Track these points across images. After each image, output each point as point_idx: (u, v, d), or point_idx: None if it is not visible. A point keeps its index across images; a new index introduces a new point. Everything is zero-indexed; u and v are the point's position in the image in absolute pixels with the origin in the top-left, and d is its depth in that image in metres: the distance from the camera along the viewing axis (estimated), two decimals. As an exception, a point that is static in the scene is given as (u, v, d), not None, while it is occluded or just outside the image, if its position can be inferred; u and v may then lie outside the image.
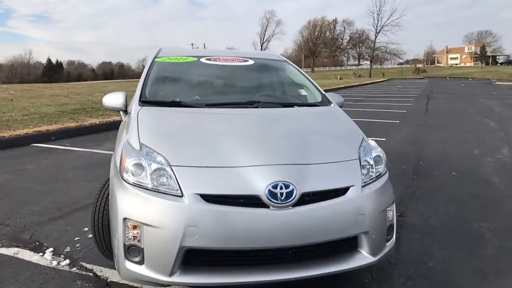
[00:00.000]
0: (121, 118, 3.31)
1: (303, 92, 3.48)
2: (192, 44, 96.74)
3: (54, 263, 2.88)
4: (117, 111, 3.26)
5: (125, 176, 2.28)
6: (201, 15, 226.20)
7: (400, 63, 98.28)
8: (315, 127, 2.84)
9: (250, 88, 3.46)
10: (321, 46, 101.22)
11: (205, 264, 2.21)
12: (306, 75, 3.70)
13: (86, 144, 7.17)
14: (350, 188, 2.34)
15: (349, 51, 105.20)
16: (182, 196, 2.14)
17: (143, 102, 3.00)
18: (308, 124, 2.87)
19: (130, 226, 2.18)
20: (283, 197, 2.15)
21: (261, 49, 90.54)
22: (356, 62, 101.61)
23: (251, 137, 2.55)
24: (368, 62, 79.37)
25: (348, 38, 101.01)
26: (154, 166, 2.26)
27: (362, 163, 2.51)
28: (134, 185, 2.24)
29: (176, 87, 3.39)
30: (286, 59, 4.02)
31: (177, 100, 3.04)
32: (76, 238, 3.27)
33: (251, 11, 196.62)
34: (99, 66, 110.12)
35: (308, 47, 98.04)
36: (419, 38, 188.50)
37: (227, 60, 3.70)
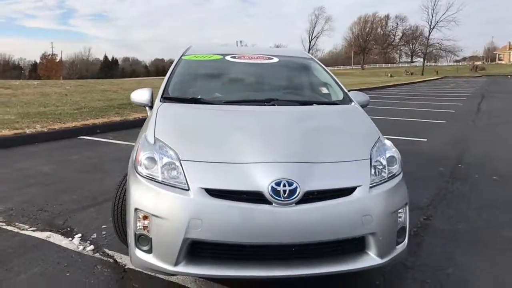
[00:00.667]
0: (148, 114, 3.46)
1: (324, 90, 3.46)
2: (240, 42, 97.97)
3: (80, 248, 3.08)
4: (143, 106, 3.41)
5: (139, 168, 2.40)
6: (251, 12, 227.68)
7: (457, 61, 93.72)
8: (330, 126, 2.83)
9: (270, 86, 3.49)
10: (371, 43, 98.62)
11: (211, 256, 2.27)
12: (330, 73, 3.67)
13: (127, 137, 7.51)
14: (357, 188, 2.31)
15: (401, 48, 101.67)
16: (188, 189, 2.22)
17: (165, 98, 3.13)
18: (323, 123, 2.86)
19: (140, 216, 2.29)
20: (286, 195, 2.17)
21: (310, 46, 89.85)
22: (409, 60, 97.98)
23: (261, 134, 2.58)
24: (422, 60, 76.29)
25: (400, 34, 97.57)
26: (166, 160, 2.36)
27: (373, 164, 2.48)
28: (146, 177, 2.36)
29: (198, 84, 3.49)
30: (312, 57, 4.01)
31: (198, 97, 3.13)
32: (103, 226, 3.46)
33: (301, 8, 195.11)
34: (152, 62, 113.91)
35: (358, 43, 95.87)
36: (478, 34, 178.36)
37: (251, 58, 3.75)
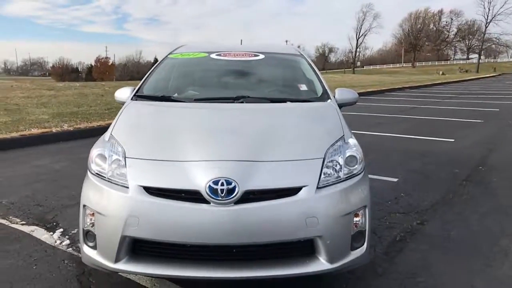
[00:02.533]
0: None
1: (303, 87, 3.33)
2: (286, 41, 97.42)
3: (57, 242, 3.17)
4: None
5: (91, 165, 2.44)
6: (298, 10, 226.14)
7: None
8: (291, 124, 2.71)
9: (246, 83, 3.41)
10: (423, 40, 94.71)
11: (153, 255, 2.25)
12: (316, 70, 3.53)
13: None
14: (303, 188, 2.20)
15: (456, 45, 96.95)
16: (128, 187, 2.22)
17: (138, 96, 3.16)
18: (285, 120, 2.75)
19: (88, 213, 2.32)
20: (224, 194, 2.10)
21: (357, 44, 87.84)
22: (464, 56, 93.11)
23: (214, 133, 2.53)
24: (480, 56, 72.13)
25: (455, 30, 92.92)
26: (114, 157, 2.37)
27: (327, 163, 2.34)
28: (96, 174, 2.38)
29: (175, 82, 3.48)
30: (302, 54, 3.87)
31: (168, 95, 3.13)
32: (87, 222, 3.54)
33: (349, 5, 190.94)
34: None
35: (408, 40, 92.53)
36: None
37: (237, 55, 3.69)
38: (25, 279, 2.62)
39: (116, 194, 2.23)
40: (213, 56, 3.68)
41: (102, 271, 2.33)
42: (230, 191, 2.11)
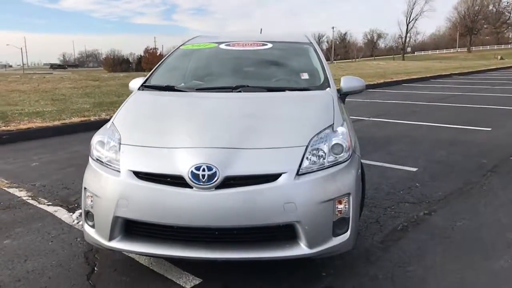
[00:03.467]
0: None
1: (305, 76, 3.35)
2: (333, 28, 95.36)
3: (75, 222, 3.44)
4: None
5: (92, 151, 2.63)
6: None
7: None
8: (282, 112, 2.76)
9: (248, 73, 3.48)
10: (481, 22, 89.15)
11: (144, 235, 2.42)
12: (322, 58, 3.53)
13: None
14: (282, 175, 2.27)
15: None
16: (120, 171, 2.39)
17: (145, 86, 3.33)
18: (277, 109, 2.80)
19: (88, 195, 2.53)
20: (205, 179, 2.22)
21: (407, 29, 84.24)
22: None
23: (204, 120, 2.65)
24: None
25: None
26: (112, 143, 2.56)
27: (312, 151, 2.39)
28: (96, 160, 2.58)
29: (182, 72, 3.62)
30: (311, 42, 3.86)
31: (172, 85, 3.27)
32: (104, 204, 3.81)
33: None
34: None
35: (464, 24, 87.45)
36: None
37: (245, 45, 3.77)
38: (40, 254, 2.89)
39: (109, 177, 2.41)
40: (222, 46, 3.78)
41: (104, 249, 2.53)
42: (211, 177, 2.22)
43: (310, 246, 2.30)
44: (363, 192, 3.18)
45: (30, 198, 4.06)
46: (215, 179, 2.22)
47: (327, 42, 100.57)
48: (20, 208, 3.78)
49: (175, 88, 3.22)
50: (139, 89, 3.31)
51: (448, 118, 8.30)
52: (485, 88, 15.13)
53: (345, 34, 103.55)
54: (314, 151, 2.41)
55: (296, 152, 2.37)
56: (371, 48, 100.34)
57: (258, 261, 2.46)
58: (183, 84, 3.39)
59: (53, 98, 10.52)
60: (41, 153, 5.95)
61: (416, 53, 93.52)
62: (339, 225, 2.39)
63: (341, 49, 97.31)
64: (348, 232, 2.42)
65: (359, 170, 2.69)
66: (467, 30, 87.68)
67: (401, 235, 3.10)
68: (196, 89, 3.22)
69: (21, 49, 78.29)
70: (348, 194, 2.40)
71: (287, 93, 3.07)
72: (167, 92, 3.19)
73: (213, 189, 2.23)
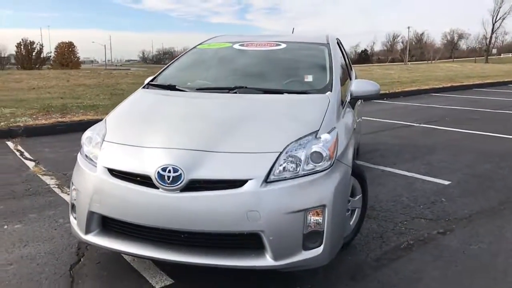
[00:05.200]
0: None
1: (308, 78, 3.19)
2: (408, 28, 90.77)
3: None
4: None
5: (82, 147, 2.73)
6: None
7: None
8: (267, 115, 2.65)
9: (251, 74, 3.39)
10: None
11: (119, 232, 2.45)
12: (333, 61, 3.31)
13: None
14: (248, 181, 2.18)
15: None
16: (97, 167, 2.45)
17: (150, 84, 3.39)
18: (264, 112, 2.70)
19: (73, 188, 2.62)
20: (170, 181, 2.20)
21: (492, 29, 77.71)
22: None
23: (184, 121, 2.63)
24: None
25: None
26: (98, 140, 2.63)
27: (286, 158, 2.27)
28: (83, 155, 2.66)
29: (189, 72, 3.63)
30: (329, 43, 3.66)
31: (177, 84, 3.29)
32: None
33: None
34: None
35: (560, 24, 78.61)
36: None
37: (258, 45, 3.69)
38: (40, 240, 3.05)
39: (87, 173, 2.48)
40: (236, 46, 3.73)
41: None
42: (176, 179, 2.19)
43: (275, 258, 2.19)
44: (364, 205, 2.98)
45: (56, 186, 4.32)
46: (180, 181, 2.19)
47: (402, 42, 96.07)
48: (43, 195, 4.04)
49: (176, 87, 3.24)
50: (144, 87, 3.38)
51: (508, 128, 7.53)
52: None
53: (422, 34, 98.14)
54: (290, 158, 2.29)
55: (267, 158, 2.26)
56: (451, 49, 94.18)
57: (234, 269, 2.39)
58: (189, 83, 3.40)
59: (112, 92, 11.16)
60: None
61: (502, 55, 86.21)
62: (311, 238, 2.25)
63: (416, 50, 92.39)
64: (322, 247, 2.27)
65: (348, 181, 2.51)
66: None
67: (402, 254, 2.84)
68: (197, 89, 3.20)
69: (104, 46, 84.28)
70: (323, 206, 2.24)
71: (284, 96, 2.95)
72: (167, 92, 3.22)
73: (178, 191, 2.20)
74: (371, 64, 62.70)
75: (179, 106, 2.90)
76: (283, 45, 3.65)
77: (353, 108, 3.28)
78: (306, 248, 2.24)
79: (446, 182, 4.40)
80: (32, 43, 55.86)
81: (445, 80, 17.90)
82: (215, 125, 2.55)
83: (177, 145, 2.36)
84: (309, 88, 3.07)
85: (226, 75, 3.49)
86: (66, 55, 58.11)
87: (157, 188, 2.23)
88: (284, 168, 2.26)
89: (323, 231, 2.26)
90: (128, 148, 2.47)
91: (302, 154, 2.30)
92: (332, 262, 2.61)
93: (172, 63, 3.74)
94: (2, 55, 59.94)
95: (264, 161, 2.25)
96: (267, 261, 2.20)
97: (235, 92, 3.00)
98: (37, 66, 50.73)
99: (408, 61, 76.66)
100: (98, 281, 2.52)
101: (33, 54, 55.68)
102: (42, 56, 57.82)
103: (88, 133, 2.73)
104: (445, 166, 5.03)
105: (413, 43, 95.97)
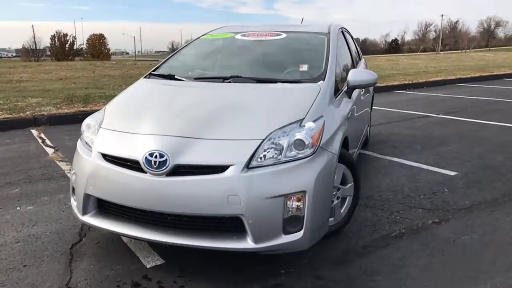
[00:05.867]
0: None
1: (303, 67, 3.22)
2: (442, 16, 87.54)
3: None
4: None
5: (83, 133, 2.88)
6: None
7: None
8: (255, 104, 2.73)
9: (247, 63, 3.45)
10: None
11: (113, 214, 2.59)
12: (331, 50, 3.32)
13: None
14: (230, 167, 2.26)
15: None
16: (92, 152, 2.59)
17: (152, 74, 3.51)
18: (252, 101, 2.78)
19: (73, 172, 2.79)
20: (156, 165, 2.31)
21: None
22: None
23: (175, 109, 2.74)
24: None
25: None
26: (96, 126, 2.77)
27: (269, 145, 2.34)
28: (83, 141, 2.82)
29: (191, 61, 3.73)
30: (329, 33, 3.66)
31: (176, 73, 3.39)
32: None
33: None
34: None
35: None
36: None
37: (259, 35, 3.75)
38: (47, 221, 3.25)
39: (84, 157, 2.63)
40: (238, 36, 3.80)
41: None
42: (162, 164, 2.31)
43: (255, 240, 2.28)
44: (356, 193, 3.02)
45: (70, 172, 4.54)
46: (166, 166, 2.30)
47: (435, 31, 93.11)
48: (57, 180, 4.26)
49: (175, 77, 3.34)
50: (145, 76, 3.51)
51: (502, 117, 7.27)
52: None
53: (456, 22, 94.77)
54: (273, 145, 2.36)
55: (250, 145, 2.34)
56: (487, 38, 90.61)
57: (220, 252, 2.48)
58: (190, 73, 3.50)
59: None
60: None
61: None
62: (291, 223, 2.32)
63: (450, 39, 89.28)
64: (302, 231, 2.34)
65: (332, 169, 2.55)
66: None
67: (390, 242, 2.87)
68: (194, 78, 3.30)
69: (134, 37, 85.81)
70: (304, 191, 2.31)
71: (277, 85, 3.01)
72: (166, 81, 3.33)
73: (164, 175, 2.32)
74: (401, 54, 61.11)
75: (173, 95, 3.00)
76: (284, 35, 3.69)
77: (349, 97, 3.29)
78: (286, 232, 2.32)
79: (452, 173, 4.34)
80: (65, 35, 57.68)
81: (474, 70, 17.30)
82: (204, 113, 2.64)
83: (165, 132, 2.47)
84: (302, 77, 3.12)
85: (223, 65, 3.57)
86: (97, 47, 59.64)
87: (145, 172, 2.35)
88: (266, 155, 2.33)
89: (304, 216, 2.33)
90: (121, 135, 2.60)
91: (285, 142, 2.36)
92: (319, 248, 2.70)
93: (176, 53, 3.85)
94: (38, 47, 61.93)
95: (246, 148, 2.33)
96: (248, 243, 2.29)
97: (229, 81, 3.08)
98: (69, 58, 52.31)
99: (441, 51, 74.31)
100: (94, 259, 2.67)
101: (66, 46, 57.44)
102: (74, 48, 59.53)
103: (88, 120, 2.88)
104: (455, 157, 4.95)
105: (447, 31, 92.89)
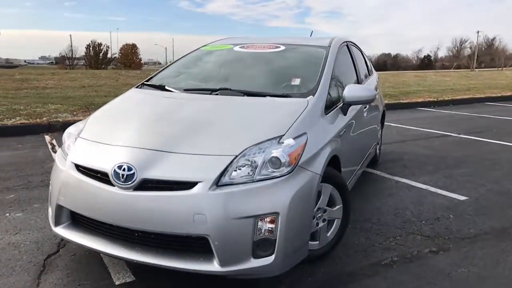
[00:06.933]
0: None
1: (296, 81, 3.07)
2: (478, 32, 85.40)
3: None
4: None
5: (63, 142, 2.83)
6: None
7: None
8: (237, 118, 2.61)
9: (239, 76, 3.35)
10: None
11: (84, 226, 2.51)
12: (327, 65, 3.16)
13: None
14: (198, 184, 2.15)
15: None
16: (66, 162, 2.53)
17: (144, 84, 3.45)
18: (235, 115, 2.66)
19: (51, 182, 2.74)
20: (123, 179, 2.23)
21: None
22: None
23: (152, 121, 2.65)
24: None
25: None
26: (75, 135, 2.72)
27: (243, 162, 2.22)
28: (62, 150, 2.77)
29: (183, 72, 3.65)
30: (329, 46, 3.51)
31: (168, 84, 3.32)
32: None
33: None
34: (379, 57, 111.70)
35: None
36: None
37: (257, 47, 3.65)
38: (31, 229, 3.21)
39: (59, 167, 2.57)
40: (236, 48, 3.71)
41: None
42: (129, 177, 2.22)
43: (222, 263, 2.14)
44: (346, 216, 2.84)
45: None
46: (133, 180, 2.21)
47: (470, 48, 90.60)
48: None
49: (166, 88, 3.27)
50: (137, 86, 3.46)
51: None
52: None
53: (493, 39, 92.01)
54: (247, 162, 2.23)
55: (222, 161, 2.22)
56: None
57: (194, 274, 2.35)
58: (182, 84, 3.42)
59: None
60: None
61: None
62: (262, 246, 2.18)
63: (486, 56, 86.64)
64: (273, 256, 2.18)
65: (312, 190, 2.39)
66: None
67: (378, 271, 2.66)
68: (184, 90, 3.22)
69: (165, 48, 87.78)
70: (276, 213, 2.16)
71: (264, 99, 2.89)
72: (155, 91, 3.27)
73: (131, 190, 2.23)
74: (432, 70, 59.73)
75: (156, 106, 2.93)
76: (282, 48, 3.58)
77: (344, 114, 3.12)
78: (256, 256, 2.17)
79: (462, 198, 4.07)
80: (99, 44, 59.65)
81: (507, 88, 16.63)
82: (182, 125, 2.54)
83: (136, 144, 2.38)
84: (292, 92, 2.98)
85: (215, 76, 3.49)
86: (130, 56, 61.27)
87: (113, 185, 2.27)
88: (239, 171, 2.20)
89: (275, 239, 2.18)
90: (96, 145, 2.53)
91: (260, 159, 2.23)
92: (301, 273, 2.54)
93: (173, 63, 3.79)
94: (74, 56, 64.25)
95: (217, 164, 2.21)
96: (214, 266, 2.15)
97: (217, 94, 2.98)
98: (102, 66, 53.93)
99: (476, 68, 72.27)
100: (64, 272, 2.59)
101: (100, 55, 59.31)
102: (108, 56, 61.42)
103: (70, 128, 2.84)
104: (469, 181, 4.65)
105: (483, 48, 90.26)
